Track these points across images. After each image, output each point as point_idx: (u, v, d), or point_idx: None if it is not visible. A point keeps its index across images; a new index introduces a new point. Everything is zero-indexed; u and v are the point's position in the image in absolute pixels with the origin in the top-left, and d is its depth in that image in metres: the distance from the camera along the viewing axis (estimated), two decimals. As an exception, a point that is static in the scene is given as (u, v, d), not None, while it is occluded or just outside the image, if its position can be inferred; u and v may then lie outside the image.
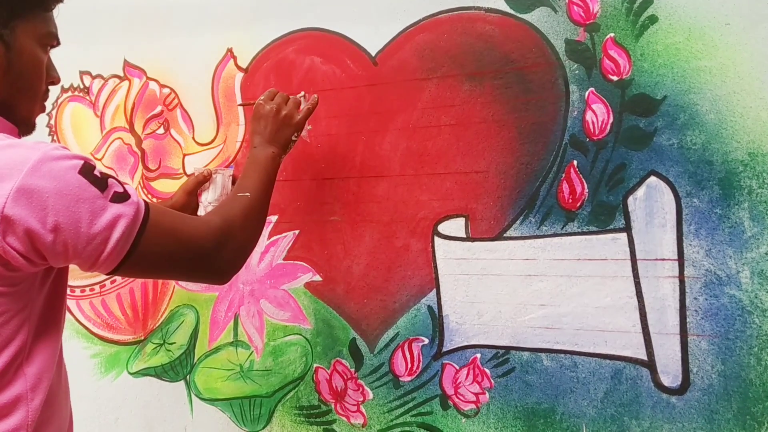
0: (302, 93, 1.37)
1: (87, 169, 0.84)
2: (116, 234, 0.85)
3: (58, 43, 1.01)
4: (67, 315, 1.76)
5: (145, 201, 0.92)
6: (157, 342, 1.67)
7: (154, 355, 1.67)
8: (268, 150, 1.23)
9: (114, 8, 1.73)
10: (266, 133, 1.25)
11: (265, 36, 1.54)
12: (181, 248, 0.95)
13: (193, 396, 1.62)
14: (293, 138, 1.29)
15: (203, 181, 1.42)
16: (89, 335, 1.76)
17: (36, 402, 0.88)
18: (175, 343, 1.64)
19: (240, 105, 1.58)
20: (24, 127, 0.98)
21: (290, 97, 1.31)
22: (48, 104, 1.79)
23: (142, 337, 1.69)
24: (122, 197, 0.87)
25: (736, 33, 1.13)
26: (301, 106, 1.32)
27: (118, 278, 1.71)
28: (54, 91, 1.81)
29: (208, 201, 1.46)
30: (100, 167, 0.89)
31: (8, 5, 0.90)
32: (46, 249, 0.81)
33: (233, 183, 1.50)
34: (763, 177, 1.11)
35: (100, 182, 0.85)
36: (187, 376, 1.63)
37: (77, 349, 1.75)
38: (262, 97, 1.29)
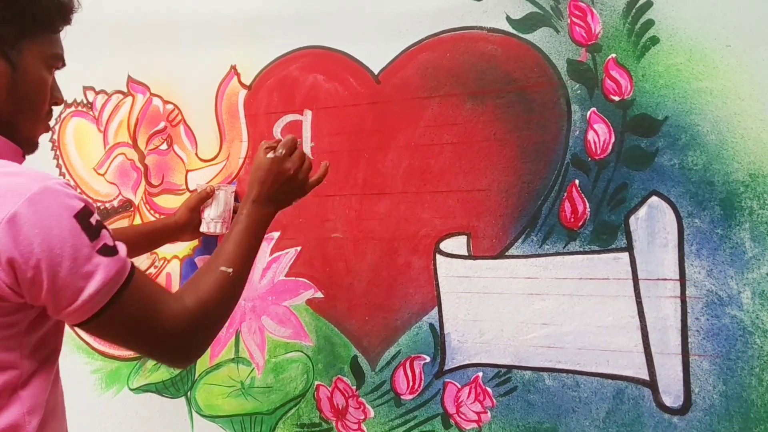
0: (305, 114, 1.36)
1: (83, 214, 0.82)
2: (92, 287, 0.82)
3: (64, 65, 1.01)
4: (68, 330, 1.77)
5: (132, 263, 0.89)
6: (158, 358, 1.66)
7: (155, 371, 1.67)
8: (264, 211, 1.12)
9: (118, 24, 1.74)
10: (270, 191, 1.13)
11: (268, 53, 1.55)
12: (152, 322, 0.89)
13: (193, 413, 1.62)
14: (293, 202, 1.20)
15: (206, 197, 1.42)
16: (90, 351, 1.76)
17: (32, 426, 0.87)
18: (176, 359, 1.64)
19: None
20: (27, 147, 0.98)
21: (298, 150, 1.17)
22: (51, 120, 1.82)
23: (143, 353, 1.69)
24: (110, 251, 0.84)
25: (736, 55, 1.14)
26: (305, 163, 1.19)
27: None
28: (57, 106, 1.82)
29: (210, 217, 1.46)
30: (100, 218, 0.87)
31: (17, 25, 0.90)
32: (24, 283, 0.79)
33: (236, 200, 1.51)
34: (764, 198, 1.12)
35: (93, 230, 0.82)
36: (188, 393, 1.63)
37: (78, 364, 1.75)
38: (281, 150, 1.15)
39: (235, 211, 1.46)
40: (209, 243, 1.61)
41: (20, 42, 0.91)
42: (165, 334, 0.91)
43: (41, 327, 0.89)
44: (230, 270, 1.03)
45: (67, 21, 0.99)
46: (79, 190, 1.79)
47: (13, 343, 0.85)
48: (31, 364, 0.88)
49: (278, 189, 1.14)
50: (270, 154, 1.14)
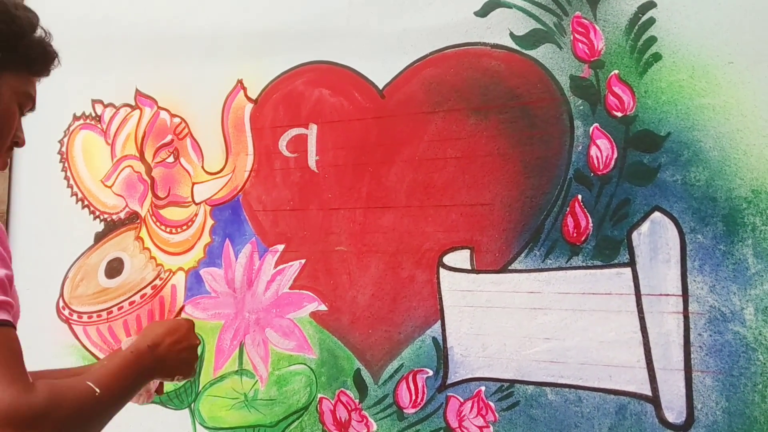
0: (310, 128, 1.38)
1: None
2: None
3: (33, 109, 1.03)
4: (74, 341, 1.77)
5: (5, 320, 0.81)
6: (163, 369, 1.67)
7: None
8: (152, 360, 1.03)
9: (127, 38, 1.77)
10: (167, 349, 1.07)
11: (275, 68, 1.57)
12: None
13: (197, 424, 1.62)
14: (176, 379, 1.12)
15: None
16: (94, 360, 1.77)
17: None
18: (180, 370, 1.64)
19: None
20: None
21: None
22: (60, 132, 1.85)
23: (148, 364, 1.69)
24: None
25: (739, 71, 1.15)
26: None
27: (125, 305, 1.72)
28: (66, 119, 1.84)
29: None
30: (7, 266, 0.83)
31: (1, 56, 0.92)
32: None
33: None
34: (767, 214, 1.12)
35: None
36: (192, 405, 1.63)
37: (83, 375, 1.76)
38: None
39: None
40: (213, 256, 1.62)
41: (1, 72, 0.93)
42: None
43: None
44: (97, 390, 0.88)
45: (46, 70, 1.02)
46: (77, 198, 1.81)
47: None
48: None
49: (170, 351, 1.07)
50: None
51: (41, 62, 1.00)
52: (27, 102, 1.01)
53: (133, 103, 1.77)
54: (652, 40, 1.21)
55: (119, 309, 1.74)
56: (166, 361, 1.06)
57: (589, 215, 1.25)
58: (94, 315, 1.76)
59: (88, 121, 1.83)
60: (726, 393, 1.14)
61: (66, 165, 1.86)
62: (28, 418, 0.77)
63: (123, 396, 0.95)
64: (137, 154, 1.75)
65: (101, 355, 1.75)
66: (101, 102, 1.81)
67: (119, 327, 1.74)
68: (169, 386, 1.65)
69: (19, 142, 1.03)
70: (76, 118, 1.84)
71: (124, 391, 0.95)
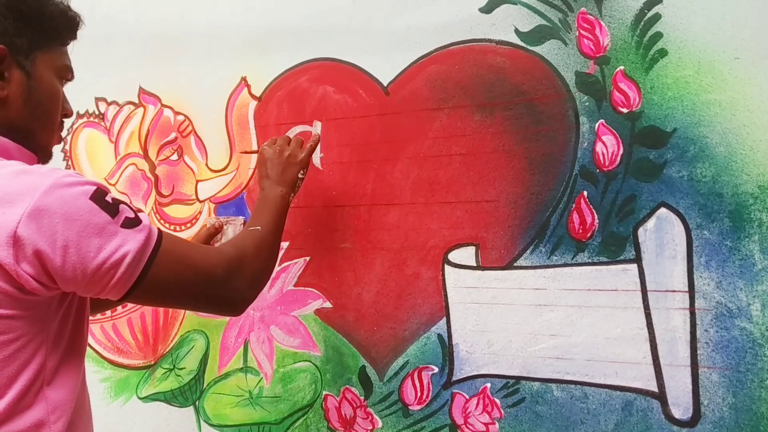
0: (315, 125, 1.39)
1: (98, 195, 0.85)
2: (127, 259, 0.85)
3: (73, 77, 1.06)
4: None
5: (158, 228, 0.93)
6: (167, 367, 1.67)
7: (164, 380, 1.67)
8: (276, 190, 1.25)
9: (130, 35, 1.76)
10: (273, 174, 1.28)
11: (278, 65, 1.57)
12: (193, 276, 0.95)
13: (202, 422, 1.62)
14: (300, 176, 1.31)
15: (215, 233, 1.41)
16: (99, 359, 1.77)
17: (58, 425, 0.89)
18: (184, 368, 1.65)
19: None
20: (42, 155, 1.02)
21: (291, 138, 1.36)
22: (63, 130, 1.84)
23: (152, 362, 1.70)
24: (133, 223, 0.88)
25: (745, 67, 1.14)
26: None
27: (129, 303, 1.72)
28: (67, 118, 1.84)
29: None
30: (113, 193, 0.90)
31: (29, 37, 0.95)
32: (56, 272, 0.82)
33: None
34: (774, 210, 1.12)
35: (111, 208, 0.86)
36: (197, 402, 1.63)
37: (87, 372, 1.73)
38: (264, 144, 1.34)
39: None
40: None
41: (33, 53, 0.96)
42: (209, 279, 0.97)
43: (66, 322, 0.92)
44: (258, 227, 1.14)
45: (73, 35, 1.05)
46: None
47: (39, 340, 0.87)
48: (55, 360, 0.90)
49: (276, 170, 1.28)
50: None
51: (67, 31, 1.03)
52: (66, 73, 1.04)
53: (136, 101, 1.76)
54: (658, 36, 1.21)
55: (123, 307, 1.74)
56: (284, 180, 1.27)
57: (594, 211, 1.25)
58: (98, 313, 1.76)
59: (91, 119, 1.83)
60: (733, 389, 1.14)
61: (69, 163, 1.86)
62: (232, 264, 1.01)
63: (277, 222, 1.20)
64: (141, 152, 1.75)
65: (106, 354, 1.76)
66: (104, 100, 1.81)
67: (123, 325, 1.74)
68: (173, 384, 1.65)
69: (68, 114, 1.07)
70: (79, 116, 1.84)
71: (275, 221, 1.19)
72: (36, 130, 0.98)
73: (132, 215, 0.88)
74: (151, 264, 0.89)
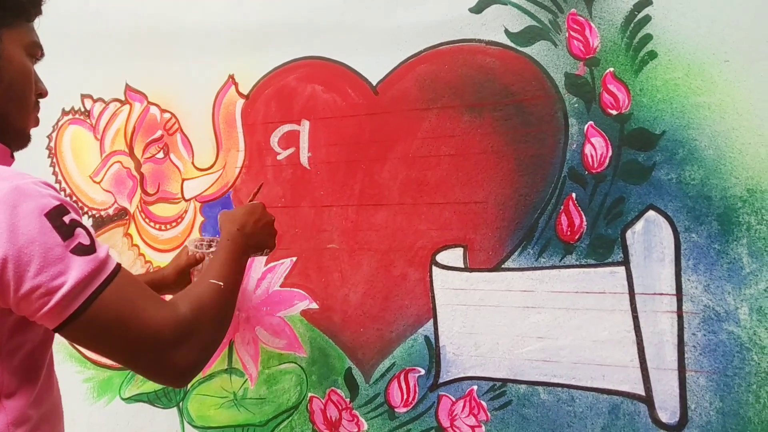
0: (303, 125, 1.38)
1: (56, 213, 0.79)
2: (63, 290, 0.78)
3: (43, 54, 1.02)
4: (61, 338, 1.75)
5: (118, 264, 0.87)
6: (151, 367, 1.65)
7: (147, 381, 1.65)
8: (244, 243, 1.17)
9: (117, 33, 1.74)
10: (248, 228, 1.19)
11: (266, 63, 1.55)
12: (138, 328, 0.84)
13: (185, 423, 1.60)
14: (261, 254, 1.28)
15: (195, 262, 1.38)
16: (82, 359, 1.74)
17: None
18: (168, 369, 1.62)
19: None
20: (20, 139, 0.98)
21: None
22: (48, 127, 1.82)
23: (136, 363, 1.67)
24: (86, 250, 0.81)
25: (735, 70, 1.14)
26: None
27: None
28: (55, 113, 1.82)
29: None
30: (78, 217, 0.84)
31: None
32: None
33: None
34: (762, 213, 1.11)
35: (66, 229, 0.80)
36: (180, 403, 1.62)
37: (70, 373, 1.74)
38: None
39: None
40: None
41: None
42: (152, 340, 0.84)
43: (23, 334, 0.87)
44: (221, 283, 1.01)
45: (38, 9, 1.00)
46: (66, 193, 1.79)
47: None
48: (13, 373, 0.86)
49: (255, 228, 1.21)
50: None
51: (32, 5, 0.98)
52: (35, 50, 1.00)
53: (123, 98, 1.74)
54: (648, 38, 1.20)
55: (107, 306, 1.71)
56: (254, 237, 1.20)
57: (583, 213, 1.24)
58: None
59: (77, 116, 1.81)
60: (720, 393, 1.13)
61: (54, 160, 1.84)
62: (185, 328, 0.88)
63: (238, 280, 1.10)
64: (126, 150, 1.73)
65: (88, 353, 1.73)
66: (90, 97, 1.79)
67: (107, 324, 1.72)
68: (157, 385, 1.63)
69: (43, 94, 1.02)
70: (65, 113, 1.82)
71: (238, 275, 1.10)
72: (10, 112, 0.94)
73: (87, 242, 0.82)
74: (94, 300, 0.80)
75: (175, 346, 0.87)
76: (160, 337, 0.85)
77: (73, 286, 0.79)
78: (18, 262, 0.76)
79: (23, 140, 0.99)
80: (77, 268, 0.79)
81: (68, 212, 0.82)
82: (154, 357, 0.86)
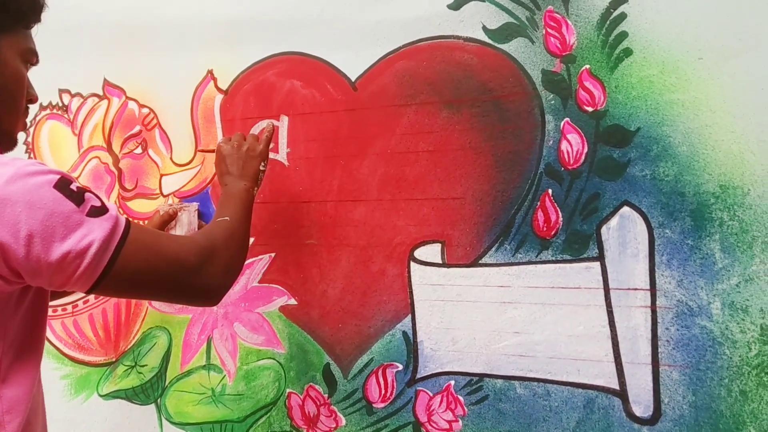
0: (282, 120, 1.38)
1: (63, 183, 0.83)
2: (92, 249, 0.83)
3: (38, 61, 1.04)
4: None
5: (126, 218, 0.91)
6: (129, 364, 1.64)
7: (125, 377, 1.64)
8: (239, 185, 1.22)
9: (95, 27, 1.73)
10: (234, 170, 1.26)
11: (245, 58, 1.55)
12: (165, 264, 0.92)
13: (163, 420, 1.60)
14: (261, 168, 1.30)
15: (168, 220, 1.41)
16: (60, 356, 1.73)
17: (13, 425, 0.86)
18: (146, 365, 1.62)
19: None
20: (6, 142, 1.00)
21: (247, 134, 1.35)
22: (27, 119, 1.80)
23: (114, 359, 1.66)
24: (99, 211, 0.86)
25: (708, 67, 1.15)
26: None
27: (91, 298, 1.69)
28: (32, 108, 1.80)
29: None
30: (78, 182, 0.88)
31: None
32: (20, 264, 0.80)
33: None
34: (734, 209, 1.13)
35: (77, 196, 0.84)
36: (158, 400, 1.61)
37: (47, 369, 1.70)
38: (220, 142, 1.33)
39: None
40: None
41: None
42: (181, 267, 0.94)
43: (24, 318, 0.90)
44: (227, 218, 1.11)
45: (38, 18, 1.02)
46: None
47: None
48: (11, 358, 0.88)
49: (236, 165, 1.26)
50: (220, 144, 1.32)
51: (32, 13, 1.00)
52: (31, 57, 1.01)
53: (101, 93, 1.73)
54: (624, 35, 1.21)
55: (84, 303, 1.70)
56: (245, 174, 1.25)
57: (559, 209, 1.25)
58: (59, 309, 1.73)
59: (54, 111, 1.79)
60: (693, 387, 1.15)
61: (32, 155, 1.82)
62: (204, 253, 0.98)
63: (245, 218, 1.17)
64: (104, 145, 1.72)
65: (66, 350, 1.72)
66: (68, 92, 1.78)
67: (85, 321, 1.71)
68: (134, 381, 1.63)
69: (33, 99, 1.05)
70: (42, 107, 1.80)
71: (242, 209, 1.17)
72: (1, 115, 0.96)
73: (98, 204, 0.87)
74: (119, 253, 0.86)
75: (201, 268, 0.97)
76: (187, 264, 0.95)
77: (100, 244, 0.84)
78: (44, 234, 0.80)
79: (10, 143, 1.01)
80: (98, 228, 0.84)
81: (72, 181, 0.85)
82: (186, 282, 0.96)
